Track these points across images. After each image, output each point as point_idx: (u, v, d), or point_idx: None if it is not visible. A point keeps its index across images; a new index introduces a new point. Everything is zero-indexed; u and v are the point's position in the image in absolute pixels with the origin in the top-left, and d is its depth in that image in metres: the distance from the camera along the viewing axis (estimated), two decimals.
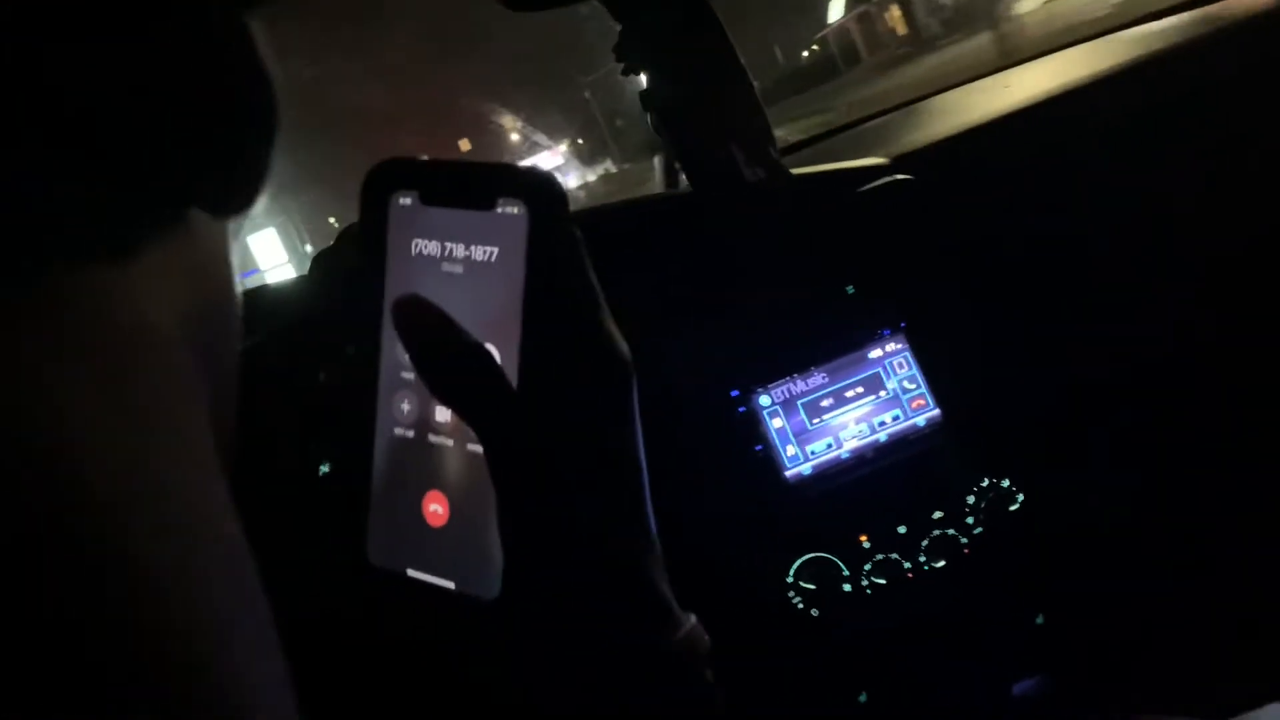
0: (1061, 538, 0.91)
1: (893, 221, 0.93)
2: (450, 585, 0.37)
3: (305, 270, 0.76)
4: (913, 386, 0.90)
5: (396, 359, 0.38)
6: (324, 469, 0.41)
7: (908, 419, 0.90)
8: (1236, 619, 0.74)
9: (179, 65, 0.24)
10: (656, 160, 1.21)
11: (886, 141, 1.07)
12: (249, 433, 0.30)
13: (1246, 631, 0.73)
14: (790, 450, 0.89)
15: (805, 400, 0.89)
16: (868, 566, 0.88)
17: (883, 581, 0.88)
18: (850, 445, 0.89)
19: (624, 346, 0.38)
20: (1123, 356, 0.96)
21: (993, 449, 0.90)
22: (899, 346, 0.90)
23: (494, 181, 0.37)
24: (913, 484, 0.89)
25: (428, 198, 0.38)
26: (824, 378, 0.89)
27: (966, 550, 0.88)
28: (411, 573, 0.38)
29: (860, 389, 0.89)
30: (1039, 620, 0.91)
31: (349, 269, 0.40)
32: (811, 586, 0.88)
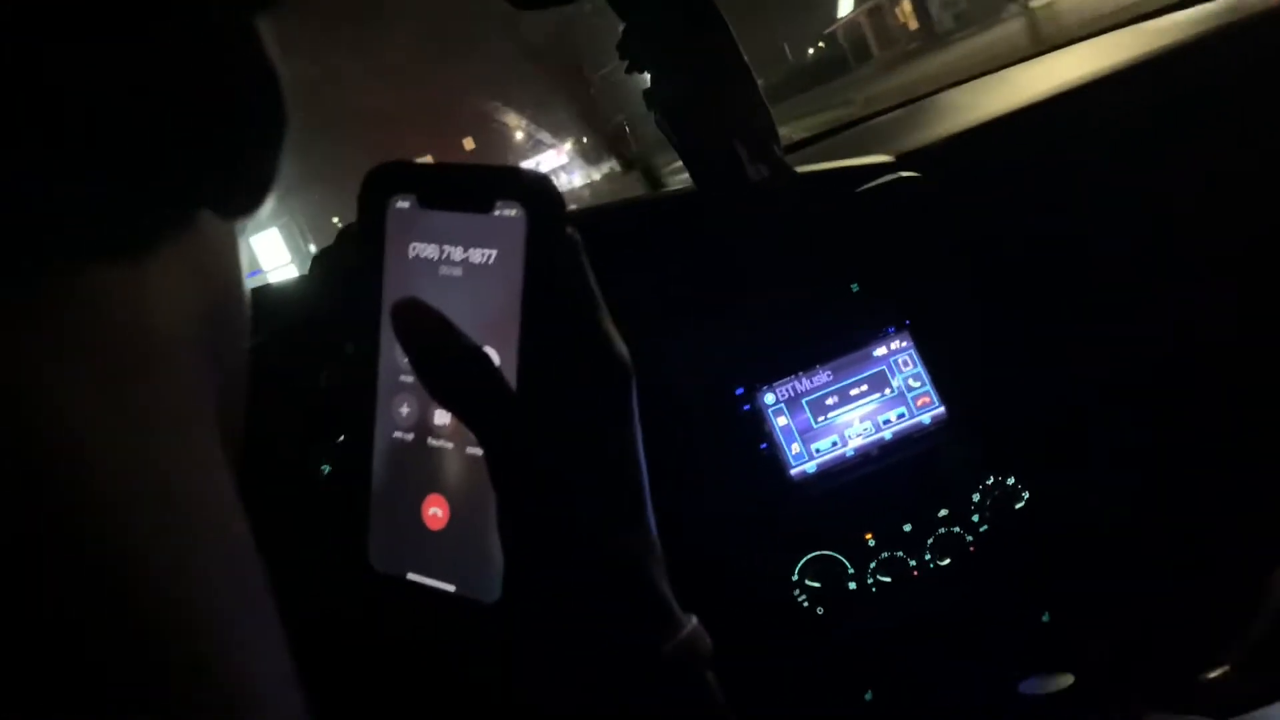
0: (1067, 536, 0.91)
1: (897, 219, 0.92)
2: (450, 588, 0.37)
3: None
4: (918, 384, 0.90)
5: (395, 362, 0.38)
6: (324, 471, 0.40)
7: (913, 417, 0.89)
8: (1239, 619, 0.74)
9: (180, 65, 0.24)
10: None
11: (892, 139, 1.07)
12: (251, 433, 0.30)
13: (1248, 630, 0.73)
14: (795, 448, 0.89)
15: (810, 398, 0.89)
16: (873, 565, 0.88)
17: (888, 580, 0.87)
18: (855, 443, 0.89)
19: (623, 348, 0.38)
20: (1128, 355, 0.96)
21: (998, 447, 0.89)
22: (904, 344, 0.90)
23: (491, 184, 0.37)
24: (918, 482, 0.89)
25: (425, 201, 0.38)
26: (828, 376, 0.89)
27: (972, 548, 0.88)
28: (412, 576, 0.38)
29: (865, 387, 0.89)
30: (1045, 618, 0.91)
31: (348, 272, 0.39)
32: (816, 585, 0.87)
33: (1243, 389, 0.96)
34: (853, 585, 0.88)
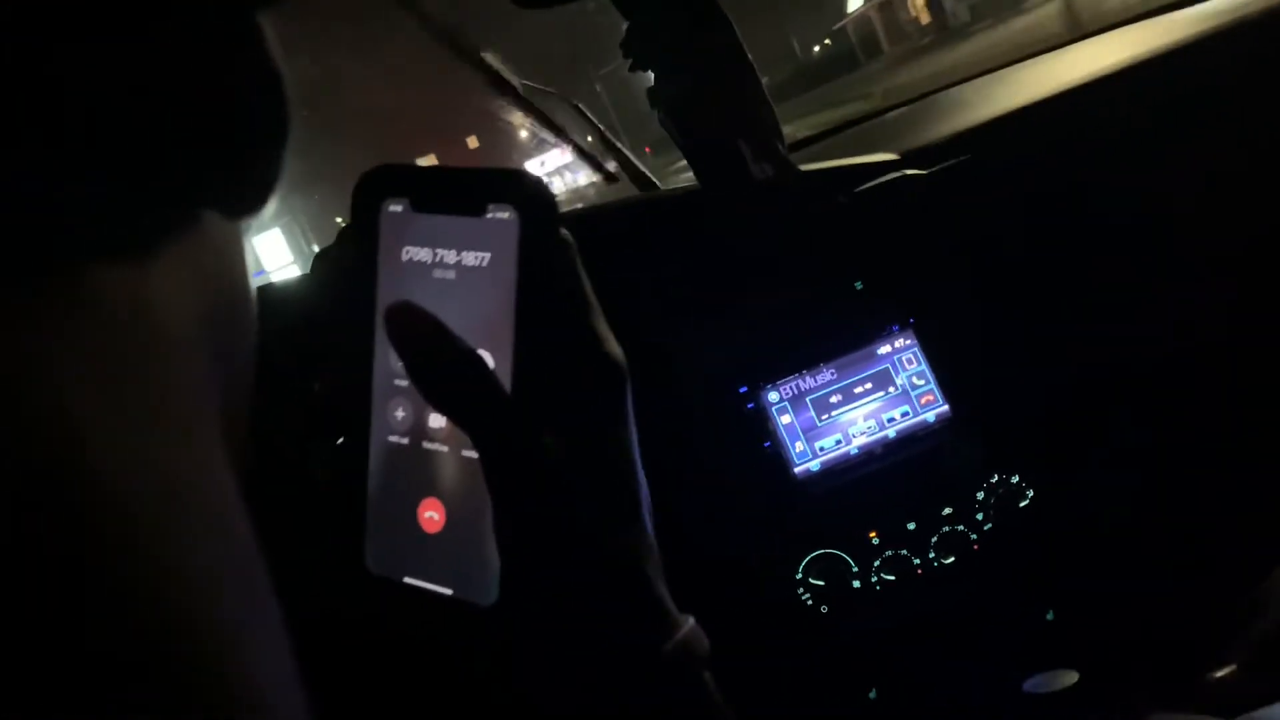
0: (1071, 534, 0.91)
1: (901, 217, 0.92)
2: (448, 592, 0.37)
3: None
4: (922, 382, 0.89)
5: (389, 367, 0.38)
6: (320, 475, 0.41)
7: (917, 415, 0.89)
8: (1243, 617, 0.74)
9: (181, 65, 0.24)
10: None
11: (897, 137, 1.07)
12: (252, 433, 0.30)
13: (1250, 630, 0.73)
14: (799, 447, 0.89)
15: (814, 396, 0.89)
16: (877, 563, 0.88)
17: (892, 578, 0.87)
18: (859, 441, 0.89)
19: (617, 349, 0.38)
20: (1132, 353, 0.96)
21: (1002, 445, 0.89)
22: (908, 342, 0.90)
23: (484, 187, 0.37)
24: (922, 480, 0.88)
25: (418, 205, 0.38)
26: (833, 374, 0.89)
27: (976, 547, 0.88)
28: (409, 580, 0.38)
29: (869, 385, 0.89)
30: (1049, 617, 0.91)
31: (341, 276, 0.39)
32: (821, 583, 0.87)
33: (1244, 387, 0.96)
34: (856, 584, 0.88)
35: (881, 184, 0.93)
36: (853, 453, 0.89)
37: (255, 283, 0.32)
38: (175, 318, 0.25)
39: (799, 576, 0.88)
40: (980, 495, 0.88)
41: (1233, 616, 0.71)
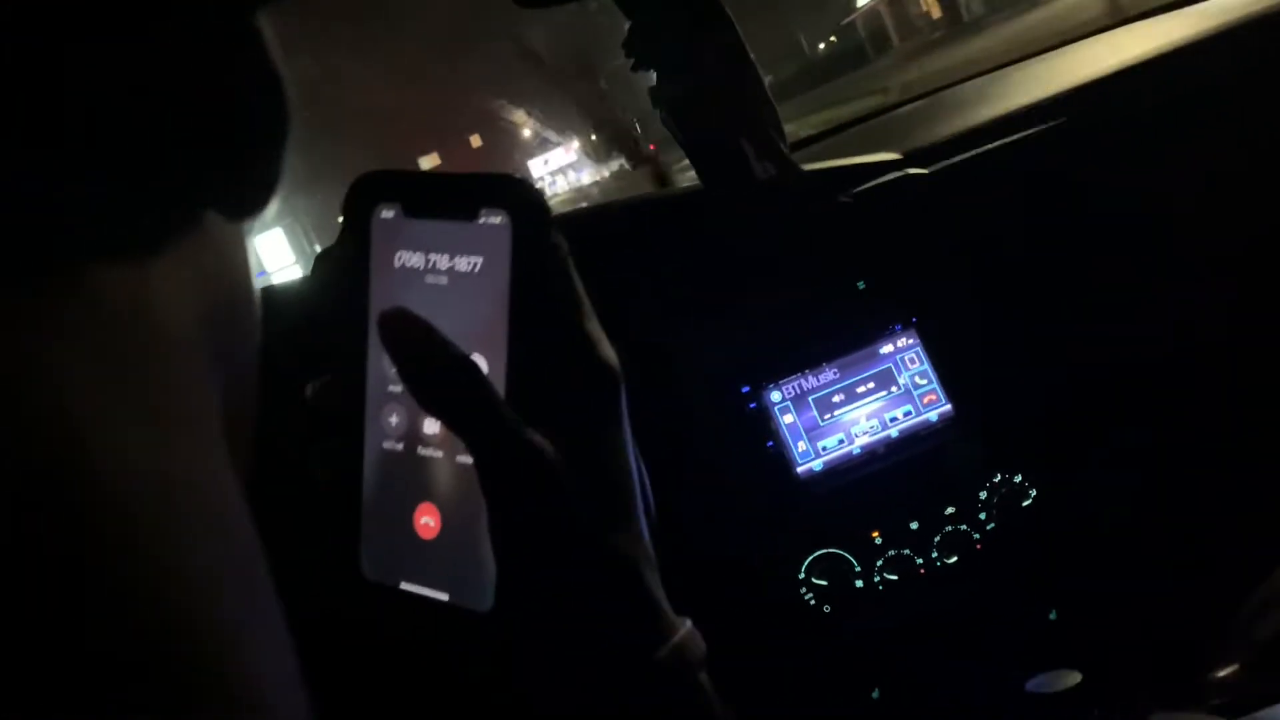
0: (1074, 534, 0.91)
1: (903, 217, 0.92)
2: (444, 597, 0.37)
3: None
4: (924, 382, 0.89)
5: (383, 372, 0.38)
6: (316, 481, 0.40)
7: (919, 414, 0.89)
8: (1247, 617, 0.74)
9: (181, 64, 0.24)
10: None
11: (899, 136, 1.07)
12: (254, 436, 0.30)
13: (1254, 629, 0.73)
14: (801, 446, 0.89)
15: (816, 396, 0.89)
16: (880, 563, 0.88)
17: (895, 578, 0.87)
18: (862, 441, 0.89)
19: (611, 352, 0.38)
20: (1134, 353, 0.95)
21: (1005, 445, 0.89)
22: (910, 342, 0.90)
23: (476, 192, 0.37)
24: (925, 480, 0.88)
25: (410, 210, 0.38)
26: (835, 373, 0.89)
27: (979, 546, 0.88)
28: (404, 586, 0.38)
29: (872, 384, 0.89)
30: (1052, 616, 0.91)
31: (334, 282, 0.39)
32: (823, 583, 0.87)
33: (1249, 385, 0.96)
34: (859, 583, 0.88)
35: (883, 183, 0.93)
36: (855, 452, 0.89)
37: (258, 284, 0.32)
38: (176, 318, 0.25)
39: (801, 576, 0.88)
40: (983, 495, 0.88)
41: (1236, 616, 0.71)
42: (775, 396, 0.89)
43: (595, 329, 0.38)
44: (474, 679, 0.39)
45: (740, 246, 0.92)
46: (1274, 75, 0.97)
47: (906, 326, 0.90)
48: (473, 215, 0.36)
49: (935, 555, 0.88)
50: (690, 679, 0.37)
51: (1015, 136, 0.97)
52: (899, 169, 0.94)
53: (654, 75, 0.90)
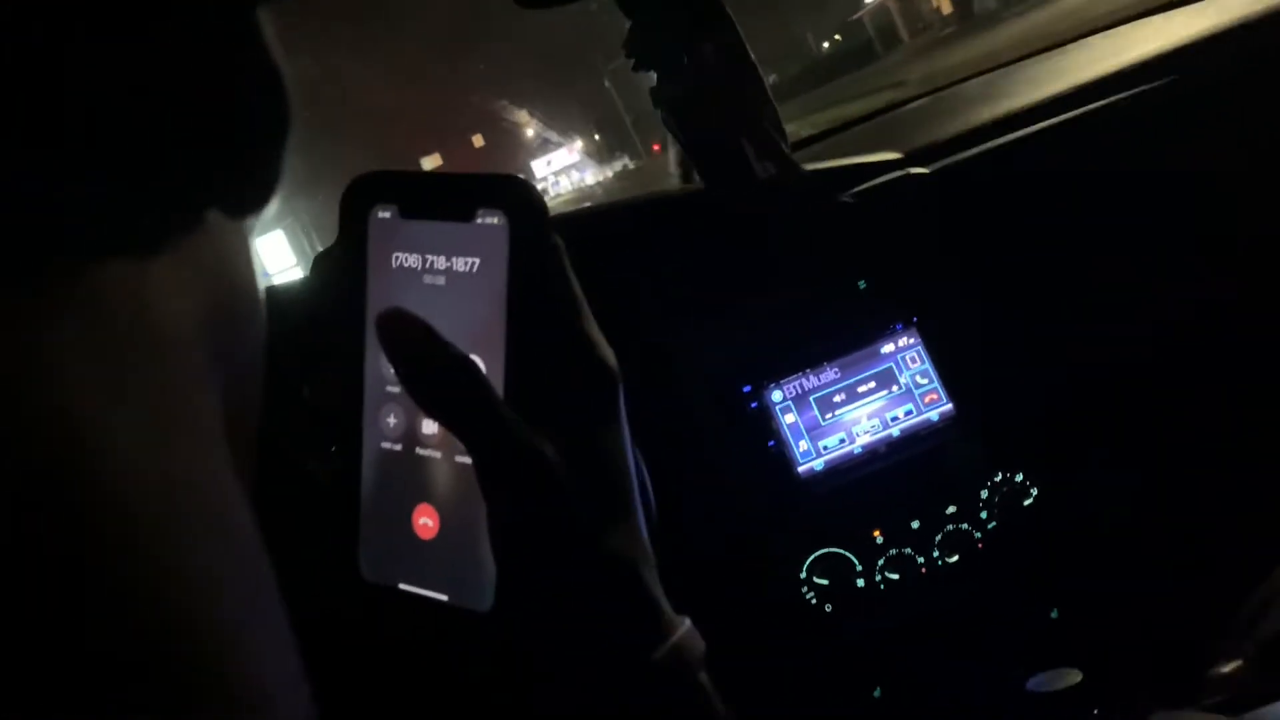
0: (1075, 533, 0.91)
1: (904, 216, 0.92)
2: (443, 598, 0.37)
3: None
4: (925, 381, 0.89)
5: (381, 373, 0.38)
6: (314, 482, 0.41)
7: (920, 414, 0.89)
8: (1249, 615, 0.74)
9: (181, 64, 0.24)
10: (672, 153, 1.20)
11: (901, 135, 1.07)
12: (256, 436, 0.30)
13: (1257, 628, 0.73)
14: (803, 446, 0.89)
15: (817, 395, 0.89)
16: (881, 562, 0.88)
17: (896, 577, 0.87)
18: (863, 440, 0.89)
19: (609, 352, 0.38)
20: (1135, 353, 0.95)
21: (1006, 444, 0.89)
22: (911, 341, 0.90)
23: (473, 193, 0.37)
24: (926, 479, 0.88)
25: (407, 211, 0.38)
26: (836, 373, 0.89)
27: (980, 545, 0.88)
28: (403, 586, 0.38)
29: (873, 384, 0.89)
30: (1053, 615, 0.91)
31: (331, 283, 0.39)
32: (824, 582, 0.87)
33: (1247, 388, 0.96)
34: (860, 582, 0.88)
35: (884, 183, 0.93)
36: (856, 451, 0.89)
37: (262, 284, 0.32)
38: (176, 318, 0.25)
39: (803, 575, 0.88)
40: (984, 494, 0.88)
41: (1236, 615, 0.70)
42: (776, 396, 0.89)
43: (593, 329, 0.38)
44: (474, 679, 0.39)
45: (741, 246, 0.91)
46: (1274, 73, 0.97)
47: (907, 326, 0.90)
48: (470, 216, 0.36)
49: (936, 554, 0.88)
50: (690, 678, 0.37)
51: (1015, 136, 0.97)
52: (900, 168, 0.94)
53: (654, 75, 0.90)
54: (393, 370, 0.36)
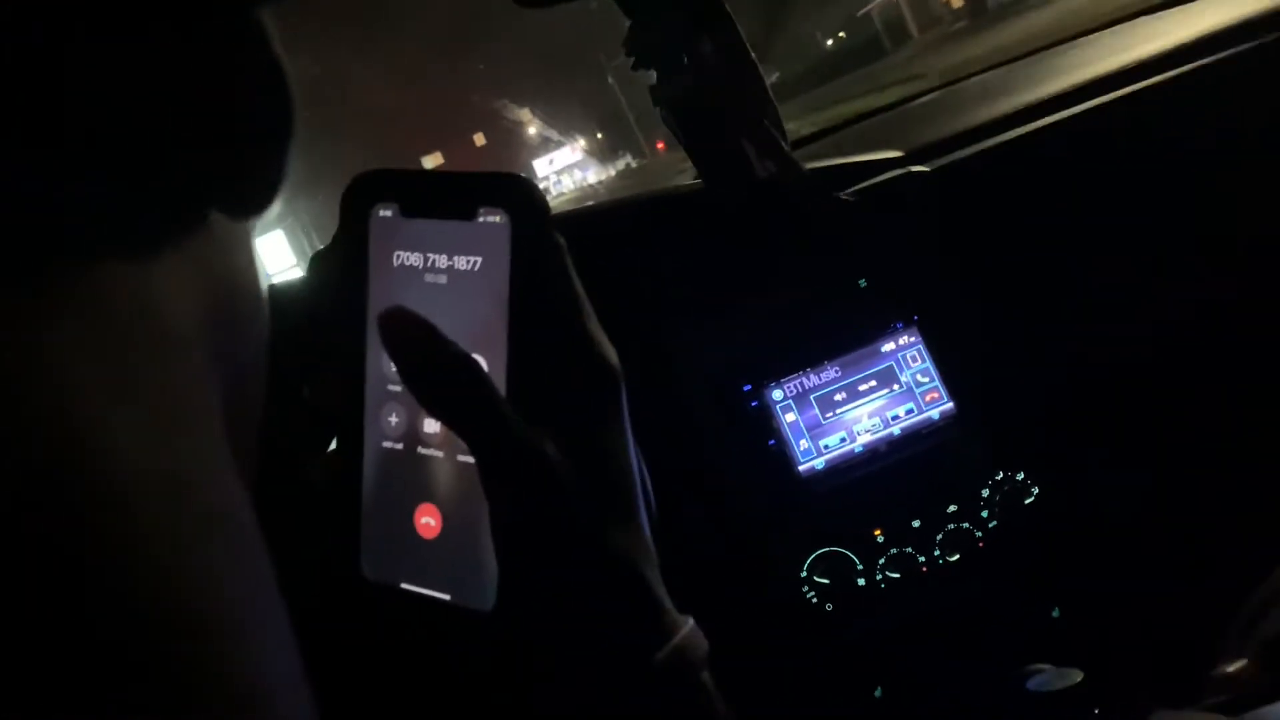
0: (1076, 532, 0.90)
1: (905, 215, 0.92)
2: (445, 597, 0.37)
3: None
4: (926, 380, 0.89)
5: (382, 372, 0.38)
6: (315, 482, 0.40)
7: (921, 412, 0.89)
8: (1252, 614, 0.74)
9: (184, 65, 0.24)
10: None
11: (901, 134, 1.07)
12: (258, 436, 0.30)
13: (1259, 627, 0.73)
14: (803, 445, 0.89)
15: (818, 394, 0.89)
16: (882, 561, 0.88)
17: (897, 576, 0.87)
18: (863, 439, 0.89)
19: (611, 351, 0.38)
20: (1137, 352, 0.95)
21: (1007, 442, 0.89)
22: (912, 340, 0.90)
23: (474, 191, 0.37)
24: (926, 478, 0.88)
25: (408, 209, 0.37)
26: (837, 371, 0.89)
27: (981, 544, 0.88)
28: (405, 586, 0.38)
29: (873, 383, 0.89)
30: (1054, 614, 0.91)
31: (332, 282, 0.39)
32: (825, 581, 0.87)
33: (1247, 388, 0.96)
34: (861, 582, 0.88)
35: (885, 181, 0.93)
36: (857, 450, 0.89)
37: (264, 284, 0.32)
38: (178, 317, 0.25)
39: (804, 575, 0.88)
40: (985, 493, 0.88)
41: (1238, 614, 0.70)
42: (777, 395, 0.89)
43: (595, 328, 0.38)
44: (475, 679, 0.39)
45: (741, 245, 0.91)
46: (1276, 73, 0.97)
47: (908, 324, 0.90)
48: (471, 214, 0.36)
49: (937, 553, 0.88)
50: (692, 678, 0.37)
51: (1015, 134, 0.97)
52: (900, 167, 0.94)
53: (655, 74, 0.90)
54: (394, 369, 0.36)
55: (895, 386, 0.89)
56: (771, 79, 0.93)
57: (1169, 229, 0.96)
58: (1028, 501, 0.88)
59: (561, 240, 0.37)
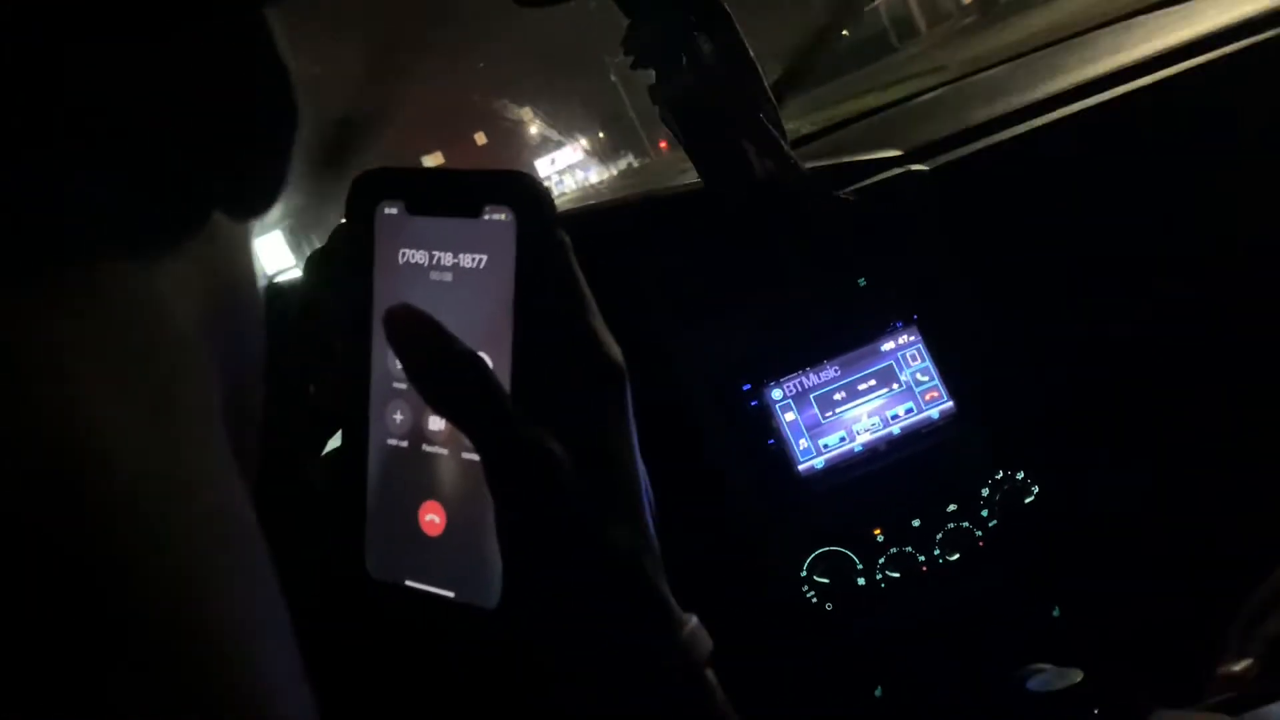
0: (1077, 531, 0.90)
1: (904, 213, 0.92)
2: (450, 595, 0.37)
3: None
4: (926, 379, 0.89)
5: (387, 369, 0.38)
6: (318, 480, 0.40)
7: (921, 411, 0.89)
8: (1253, 613, 0.74)
9: (187, 65, 0.24)
10: None
11: (902, 133, 1.07)
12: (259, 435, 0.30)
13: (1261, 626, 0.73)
14: (803, 444, 0.89)
15: (818, 394, 0.89)
16: (881, 561, 0.88)
17: (897, 575, 0.87)
18: (863, 439, 0.89)
19: (616, 349, 0.38)
20: (1137, 351, 0.95)
21: (1007, 441, 0.89)
22: (912, 339, 0.90)
23: (480, 188, 0.37)
24: (926, 477, 0.88)
25: (414, 207, 0.37)
26: (836, 371, 0.89)
27: (981, 544, 0.88)
28: (410, 584, 0.38)
29: (873, 382, 0.89)
30: (1055, 614, 0.91)
31: (337, 279, 0.39)
32: (825, 581, 0.87)
33: (1248, 388, 0.96)
34: (861, 581, 0.88)
35: (884, 180, 0.93)
36: (857, 450, 0.89)
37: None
38: (180, 317, 0.25)
39: (803, 574, 0.88)
40: (985, 492, 0.88)
41: (1238, 614, 0.70)
42: (776, 394, 0.89)
43: (600, 326, 0.38)
44: (480, 677, 0.39)
45: (741, 244, 0.91)
46: (1276, 73, 0.97)
47: (908, 323, 0.90)
48: (477, 212, 0.36)
49: (937, 553, 0.88)
50: (697, 676, 0.37)
51: (1015, 133, 0.97)
52: (900, 165, 0.94)
53: (654, 73, 0.90)
54: (399, 366, 0.36)
55: (895, 386, 0.89)
56: (769, 78, 0.92)
57: (1169, 228, 0.96)
58: (1028, 501, 0.88)
59: (567, 238, 0.37)
